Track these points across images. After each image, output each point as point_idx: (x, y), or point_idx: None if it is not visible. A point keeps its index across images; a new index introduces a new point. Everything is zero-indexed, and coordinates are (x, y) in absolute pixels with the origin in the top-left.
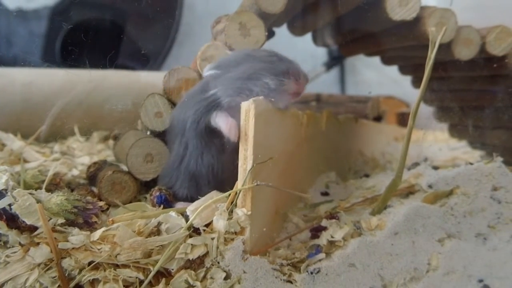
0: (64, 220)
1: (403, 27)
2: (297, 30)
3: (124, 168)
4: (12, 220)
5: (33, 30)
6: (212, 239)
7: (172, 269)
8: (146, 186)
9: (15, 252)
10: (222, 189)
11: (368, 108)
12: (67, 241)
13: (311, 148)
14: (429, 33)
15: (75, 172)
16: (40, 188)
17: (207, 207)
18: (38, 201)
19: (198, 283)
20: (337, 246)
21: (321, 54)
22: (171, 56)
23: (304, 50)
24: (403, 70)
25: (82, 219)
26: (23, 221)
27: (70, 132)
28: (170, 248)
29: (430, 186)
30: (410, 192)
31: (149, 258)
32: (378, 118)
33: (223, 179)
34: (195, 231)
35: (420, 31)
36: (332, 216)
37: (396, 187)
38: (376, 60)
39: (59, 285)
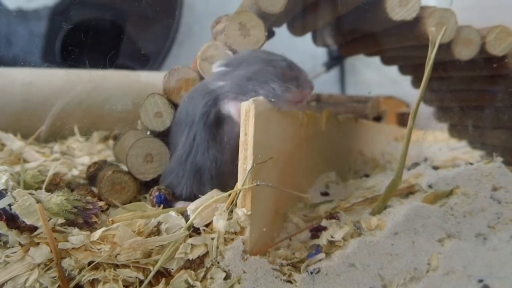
0: (64, 220)
1: (403, 27)
2: (297, 30)
3: (124, 168)
4: (12, 220)
5: (33, 30)
6: (212, 239)
7: (172, 269)
8: (146, 186)
9: (15, 252)
10: (225, 186)
11: (368, 108)
12: (67, 241)
13: (311, 148)
14: (429, 33)
15: (75, 172)
16: (40, 188)
17: (207, 207)
18: (38, 201)
19: (198, 283)
20: (337, 246)
21: (321, 54)
22: (171, 56)
23: (304, 50)
24: (403, 70)
25: (82, 219)
26: (23, 221)
27: (70, 132)
28: (170, 248)
29: (430, 186)
30: (410, 192)
31: (149, 258)
32: (378, 118)
33: (226, 175)
34: (195, 231)
35: (420, 31)
36: (332, 216)
37: (396, 187)
38: (376, 60)
39: (59, 285)
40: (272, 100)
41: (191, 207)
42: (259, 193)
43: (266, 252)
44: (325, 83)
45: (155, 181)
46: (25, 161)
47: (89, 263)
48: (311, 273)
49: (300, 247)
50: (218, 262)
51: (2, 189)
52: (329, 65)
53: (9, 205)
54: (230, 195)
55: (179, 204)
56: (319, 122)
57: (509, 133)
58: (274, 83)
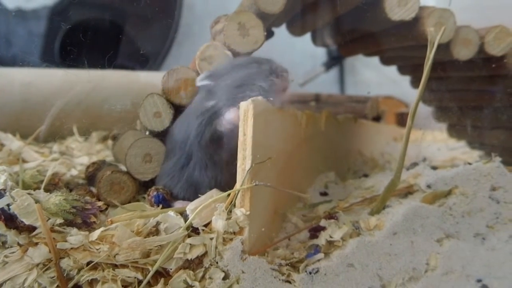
0: (63, 220)
1: (402, 27)
2: (296, 30)
3: (123, 168)
4: (11, 220)
5: (32, 30)
6: (211, 239)
7: (171, 269)
8: (145, 186)
9: (13, 252)
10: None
11: (367, 108)
12: (66, 241)
13: (310, 148)
14: (428, 33)
15: (74, 172)
16: (38, 188)
17: (206, 207)
18: (37, 201)
19: (196, 283)
20: (336, 246)
21: (320, 54)
22: (170, 56)
23: (303, 50)
24: (402, 70)
25: (81, 219)
26: (22, 221)
27: (69, 132)
28: (169, 248)
29: (428, 186)
30: (408, 192)
31: (147, 258)
32: (377, 118)
33: (226, 187)
34: (193, 231)
35: (419, 31)
36: (331, 216)
37: (395, 187)
38: (375, 60)
39: (57, 285)
40: (265, 96)
41: (190, 207)
42: (258, 193)
43: (265, 252)
44: (324, 83)
45: (154, 181)
46: (24, 161)
47: (88, 263)
48: (310, 273)
49: (299, 247)
50: (217, 262)
51: (1, 189)
52: (328, 65)
53: (8, 205)
54: (229, 195)
55: (178, 204)
56: (319, 122)
57: (508, 133)
58: (260, 81)
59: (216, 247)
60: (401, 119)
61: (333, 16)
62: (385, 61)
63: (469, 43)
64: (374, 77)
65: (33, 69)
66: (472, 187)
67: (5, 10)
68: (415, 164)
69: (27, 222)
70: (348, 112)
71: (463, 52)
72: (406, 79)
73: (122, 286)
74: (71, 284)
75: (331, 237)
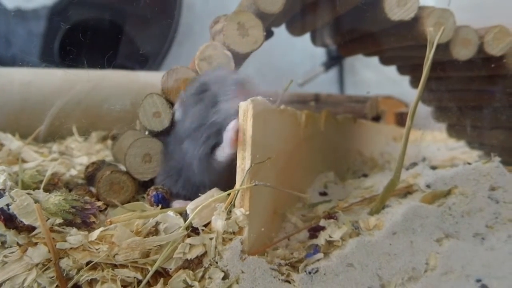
0: (62, 220)
1: (401, 27)
2: (296, 30)
3: (123, 168)
4: (10, 220)
5: (31, 30)
6: (211, 239)
7: (170, 269)
8: (144, 186)
9: (13, 252)
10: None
11: (367, 108)
12: (65, 241)
13: (310, 148)
14: (427, 33)
15: (74, 172)
16: (38, 188)
17: (206, 207)
18: (36, 201)
19: (196, 283)
20: (335, 246)
21: (320, 54)
22: (170, 56)
23: (303, 50)
24: (402, 70)
25: (80, 219)
26: (21, 221)
27: (68, 132)
28: (168, 248)
29: (428, 186)
30: (408, 192)
31: (147, 258)
32: (376, 118)
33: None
34: (193, 231)
35: (418, 31)
36: (330, 216)
37: (394, 187)
38: (375, 60)
39: (57, 285)
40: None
41: (190, 206)
42: (257, 193)
43: (264, 252)
44: (324, 83)
45: (153, 181)
46: (24, 161)
47: (87, 263)
48: (310, 273)
49: (298, 247)
50: (217, 262)
51: (0, 189)
52: (328, 65)
53: (7, 205)
54: (229, 195)
55: (176, 204)
56: (318, 122)
57: (507, 133)
58: (223, 103)
59: (215, 247)
60: (401, 119)
61: (333, 16)
62: (385, 61)
63: (469, 43)
64: (373, 77)
65: (32, 68)
66: (472, 187)
67: (5, 10)
68: (414, 164)
69: (26, 222)
70: (348, 112)
71: (463, 52)
72: (405, 79)
73: (122, 286)
74: (70, 284)
75: (330, 237)
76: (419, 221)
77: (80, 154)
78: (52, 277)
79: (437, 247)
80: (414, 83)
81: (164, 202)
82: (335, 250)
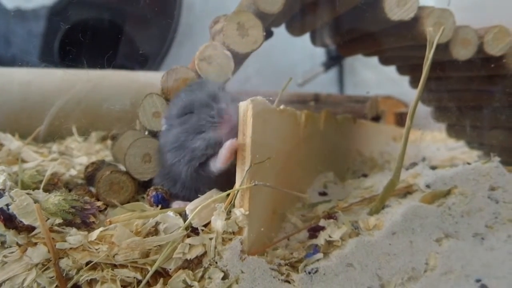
0: (62, 220)
1: (401, 27)
2: (295, 30)
3: (122, 168)
4: (10, 220)
5: (31, 30)
6: (210, 239)
7: (170, 269)
8: (144, 186)
9: (12, 252)
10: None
11: (367, 108)
12: (65, 241)
13: (309, 148)
14: (427, 33)
15: (73, 172)
16: (38, 188)
17: (205, 207)
18: (36, 201)
19: (196, 283)
20: (335, 246)
21: (319, 54)
22: (170, 56)
23: (302, 50)
24: (401, 70)
25: (80, 219)
26: (21, 221)
27: (68, 132)
28: (168, 248)
29: (428, 186)
30: (408, 192)
31: (147, 258)
32: (376, 118)
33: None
34: (193, 231)
35: (418, 31)
36: (330, 216)
37: (394, 187)
38: (374, 60)
39: (56, 285)
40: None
41: (189, 207)
42: (257, 193)
43: (264, 252)
44: (323, 83)
45: (153, 181)
46: (23, 161)
47: (87, 263)
48: (309, 273)
49: (298, 247)
50: (216, 262)
51: (0, 189)
52: (327, 65)
53: (7, 205)
54: (228, 195)
55: (176, 204)
56: (318, 122)
57: (506, 133)
58: (206, 132)
59: (215, 247)
60: (400, 119)
61: (332, 16)
62: (384, 61)
63: (468, 43)
64: (373, 77)
65: (32, 68)
66: (471, 187)
67: (5, 10)
68: (414, 164)
69: (26, 222)
70: (347, 112)
71: (462, 52)
72: (405, 79)
73: (121, 286)
74: (70, 284)
75: (330, 237)
76: (418, 221)
77: (79, 154)
78: (52, 277)
79: (436, 247)
80: (414, 83)
81: (163, 202)
82: (334, 250)
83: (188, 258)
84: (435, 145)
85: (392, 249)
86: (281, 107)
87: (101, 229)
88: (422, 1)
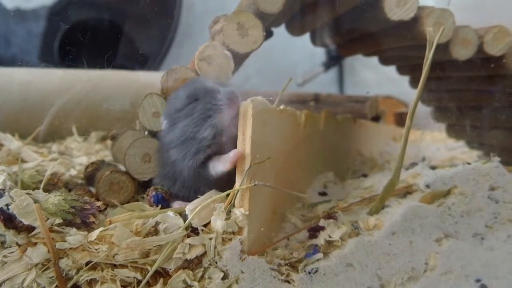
0: (62, 220)
1: (401, 27)
2: (295, 30)
3: (122, 168)
4: (10, 220)
5: (31, 30)
6: (210, 239)
7: (170, 269)
8: (144, 186)
9: (12, 252)
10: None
11: (367, 108)
12: (65, 241)
13: (309, 148)
14: (426, 33)
15: (73, 172)
16: (37, 188)
17: (205, 207)
18: (36, 201)
19: (196, 283)
20: (335, 246)
21: (319, 54)
22: (170, 56)
23: (302, 50)
24: (401, 70)
25: (80, 219)
26: (21, 221)
27: (68, 132)
28: (168, 248)
29: (427, 186)
30: (407, 192)
31: (147, 258)
32: (376, 118)
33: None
34: (193, 231)
35: (418, 31)
36: (330, 216)
37: (394, 187)
38: (374, 60)
39: (56, 285)
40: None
41: (189, 207)
42: (257, 193)
43: (264, 252)
44: (323, 83)
45: (153, 181)
46: (23, 161)
47: (87, 263)
48: (309, 273)
49: (298, 247)
50: (216, 262)
51: (0, 189)
52: (327, 65)
53: (7, 205)
54: (228, 195)
55: (176, 204)
56: (318, 122)
57: (506, 133)
58: (214, 117)
59: (215, 247)
60: (400, 119)
61: (332, 16)
62: (384, 61)
63: (468, 43)
64: (373, 77)
65: (32, 68)
66: (471, 187)
67: (5, 10)
68: (414, 164)
69: (26, 222)
70: (347, 112)
71: (462, 52)
72: (405, 79)
73: (121, 286)
74: (70, 284)
75: (330, 237)
76: (418, 221)
77: (79, 154)
78: (52, 277)
79: (436, 247)
80: (414, 83)
81: (163, 202)
82: (334, 250)
83: (188, 258)
84: (435, 145)
85: (392, 249)
86: (281, 107)
87: (101, 229)
88: (422, 1)
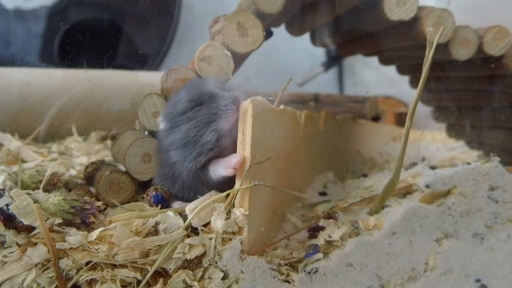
0: (62, 220)
1: (401, 27)
2: (295, 30)
3: (122, 168)
4: (10, 220)
5: (31, 30)
6: (210, 239)
7: (170, 269)
8: (144, 186)
9: (12, 252)
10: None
11: (366, 108)
12: (65, 241)
13: (309, 148)
14: (426, 33)
15: (73, 172)
16: (37, 188)
17: (205, 207)
18: (36, 201)
19: (195, 283)
20: (334, 246)
21: (319, 54)
22: (170, 56)
23: (302, 50)
24: (401, 70)
25: (80, 219)
26: (21, 221)
27: (68, 132)
28: (168, 248)
29: (427, 186)
30: (407, 192)
31: (146, 258)
32: (376, 118)
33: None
34: (193, 231)
35: (417, 31)
36: (330, 216)
37: (393, 187)
38: (374, 60)
39: (56, 285)
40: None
41: (189, 207)
42: (257, 193)
43: (264, 252)
44: (323, 83)
45: (152, 181)
46: (23, 161)
47: (87, 263)
48: (309, 273)
49: (298, 247)
50: (216, 262)
51: (0, 189)
52: (327, 65)
53: (7, 205)
54: (228, 195)
55: (176, 204)
56: (317, 122)
57: (506, 133)
58: (218, 120)
59: (215, 247)
60: (400, 119)
61: (332, 16)
62: (384, 61)
63: (468, 43)
64: (373, 77)
65: (32, 68)
66: (471, 187)
67: (5, 10)
68: (414, 164)
69: (26, 222)
70: (347, 112)
71: (462, 52)
72: (405, 79)
73: (121, 286)
74: (70, 284)
75: (330, 237)
76: (418, 221)
77: (79, 154)
78: (52, 277)
79: (436, 247)
80: (414, 83)
81: (163, 202)
82: (334, 250)
83: (188, 258)
84: (435, 145)
85: (392, 249)
86: (281, 107)
87: (100, 229)
88: (422, 1)
